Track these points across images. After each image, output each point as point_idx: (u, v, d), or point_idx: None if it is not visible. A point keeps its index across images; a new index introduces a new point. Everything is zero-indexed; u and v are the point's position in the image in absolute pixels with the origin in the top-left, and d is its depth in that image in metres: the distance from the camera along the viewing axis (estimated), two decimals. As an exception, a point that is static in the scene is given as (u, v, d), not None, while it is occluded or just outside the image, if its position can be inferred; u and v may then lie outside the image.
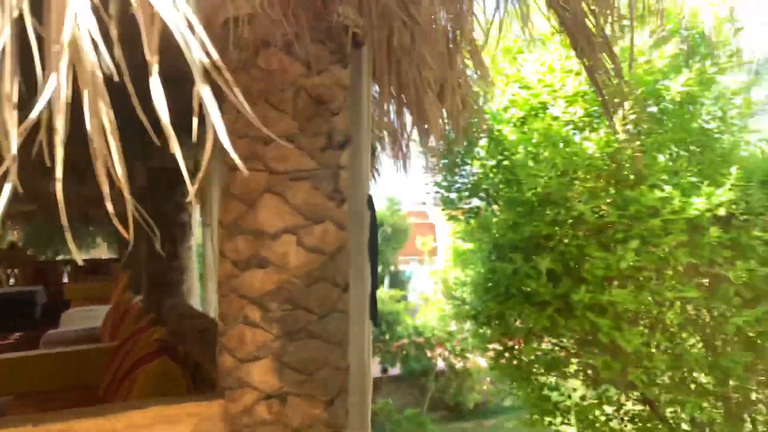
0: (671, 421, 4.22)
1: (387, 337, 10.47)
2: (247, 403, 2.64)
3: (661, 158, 4.10)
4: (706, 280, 4.05)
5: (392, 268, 19.39)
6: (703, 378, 4.14)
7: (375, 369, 11.06)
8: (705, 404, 4.08)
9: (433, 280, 13.43)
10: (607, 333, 3.47)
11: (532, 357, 4.04)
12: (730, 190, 3.48)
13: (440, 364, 10.50)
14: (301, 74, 2.75)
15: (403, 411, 6.61)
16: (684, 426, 4.46)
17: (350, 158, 2.98)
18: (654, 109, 4.16)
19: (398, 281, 18.65)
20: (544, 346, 4.20)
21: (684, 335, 4.38)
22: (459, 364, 10.09)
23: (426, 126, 4.03)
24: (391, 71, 2.18)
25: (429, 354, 10.56)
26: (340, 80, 2.86)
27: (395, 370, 10.85)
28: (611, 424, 3.97)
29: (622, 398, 4.39)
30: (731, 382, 4.07)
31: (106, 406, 2.37)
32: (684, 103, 4.00)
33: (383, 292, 14.14)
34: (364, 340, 3.16)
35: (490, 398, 10.05)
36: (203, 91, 0.87)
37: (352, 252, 3.13)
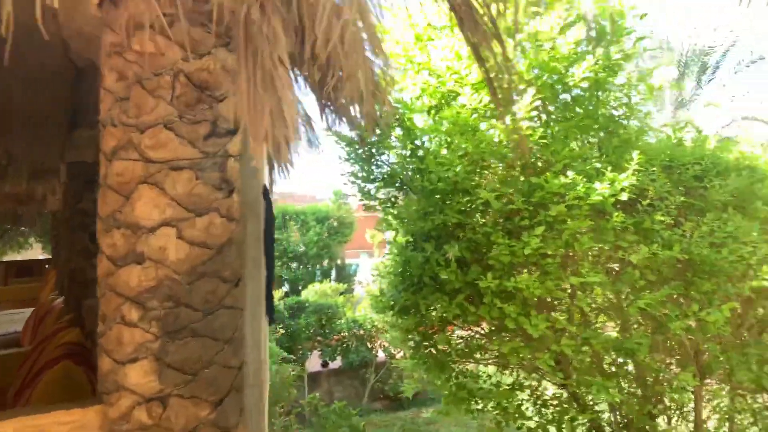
0: (588, 404, 4.30)
1: (326, 330, 10.41)
2: (124, 408, 2.50)
3: (573, 145, 4.15)
4: (616, 265, 4.13)
5: (338, 261, 19.35)
6: (612, 360, 4.24)
7: (315, 363, 10.98)
8: (613, 386, 4.17)
9: (377, 272, 13.42)
10: (514, 319, 3.48)
11: (447, 346, 4.03)
12: (633, 175, 3.54)
13: (381, 355, 10.50)
14: (180, 58, 2.61)
15: (330, 404, 6.56)
16: (599, 407, 4.55)
17: (242, 146, 2.85)
18: (567, 96, 4.19)
19: (344, 275, 18.61)
20: (462, 333, 4.20)
21: (599, 319, 4.47)
22: (399, 354, 10.11)
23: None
24: (248, 49, 2.07)
25: (370, 346, 10.55)
26: (225, 64, 2.73)
27: (336, 364, 10.80)
28: (528, 409, 4.00)
29: (542, 383, 4.45)
30: (642, 364, 4.17)
31: (-41, 420, 2.19)
32: (592, 89, 4.05)
33: (328, 285, 14.05)
34: (261, 336, 3.06)
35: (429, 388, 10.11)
36: None
37: (248, 245, 3.02)
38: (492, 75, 2.68)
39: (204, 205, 2.61)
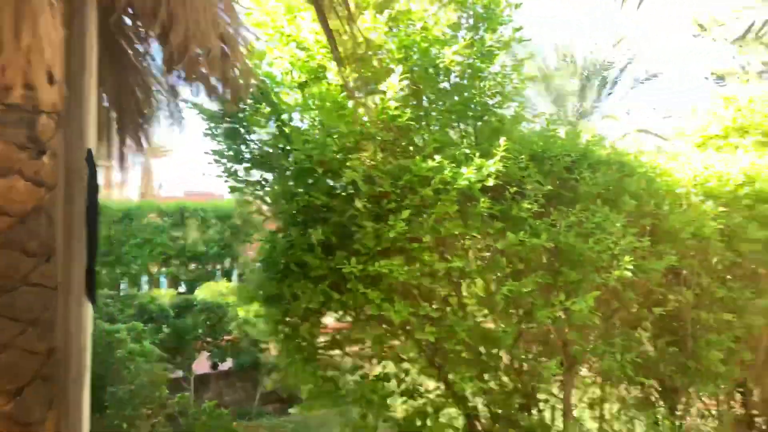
0: (465, 396, 4.22)
1: (216, 331, 9.92)
2: None
3: (451, 133, 4.11)
4: (488, 254, 4.10)
5: (241, 261, 18.67)
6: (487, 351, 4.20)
7: (204, 365, 10.44)
8: (489, 376, 4.13)
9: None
10: (378, 305, 3.34)
11: (314, 337, 3.83)
12: (500, 161, 3.50)
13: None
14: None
15: (202, 404, 6.20)
16: (475, 399, 4.51)
17: (64, 103, 2.50)
18: (447, 85, 4.13)
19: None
20: (329, 322, 4.01)
21: (479, 308, 4.42)
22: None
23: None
24: None
25: (263, 346, 10.16)
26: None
27: (228, 365, 10.34)
28: (397, 400, 3.87)
29: (421, 376, 4.33)
30: (512, 354, 4.16)
31: None
32: (470, 78, 4.02)
33: (224, 284, 13.48)
34: (81, 320, 2.70)
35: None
36: None
37: (73, 217, 2.67)
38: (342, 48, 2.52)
39: (2, 165, 2.26)
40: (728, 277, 5.27)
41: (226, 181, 3.96)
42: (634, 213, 4.47)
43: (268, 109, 3.76)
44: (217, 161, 3.90)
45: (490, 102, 4.08)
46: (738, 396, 6.16)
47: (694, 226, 4.63)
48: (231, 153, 3.95)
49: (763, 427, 6.59)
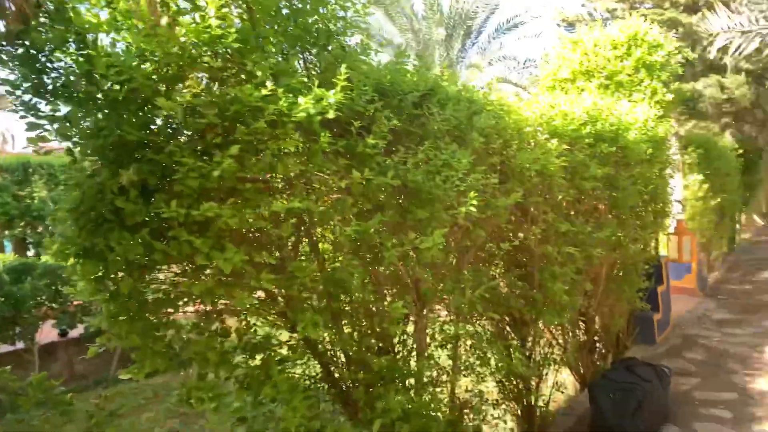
0: (314, 342, 4.04)
1: (63, 295, 8.98)
2: None
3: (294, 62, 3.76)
4: (337, 196, 3.88)
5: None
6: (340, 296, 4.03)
7: (52, 333, 9.50)
8: (334, 320, 3.97)
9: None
10: (206, 254, 3.00)
11: (139, 293, 3.40)
12: (342, 92, 3.22)
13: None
14: None
15: (27, 378, 5.54)
16: (331, 346, 4.36)
17: None
18: (287, 11, 3.75)
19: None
20: (161, 276, 3.60)
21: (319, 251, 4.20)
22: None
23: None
24: None
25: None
26: None
27: (79, 332, 9.46)
28: (234, 357, 3.59)
29: (267, 327, 4.08)
30: (362, 297, 4.04)
31: None
32: (313, 4, 3.68)
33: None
34: None
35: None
36: None
37: None
38: None
39: None
40: (571, 212, 5.51)
41: (23, 117, 3.32)
42: (483, 151, 4.45)
43: (66, 29, 3.16)
44: (10, 93, 3.24)
45: (333, 28, 3.78)
46: (581, 324, 6.63)
47: (539, 164, 4.72)
48: (30, 84, 3.30)
49: (603, 351, 7.18)
